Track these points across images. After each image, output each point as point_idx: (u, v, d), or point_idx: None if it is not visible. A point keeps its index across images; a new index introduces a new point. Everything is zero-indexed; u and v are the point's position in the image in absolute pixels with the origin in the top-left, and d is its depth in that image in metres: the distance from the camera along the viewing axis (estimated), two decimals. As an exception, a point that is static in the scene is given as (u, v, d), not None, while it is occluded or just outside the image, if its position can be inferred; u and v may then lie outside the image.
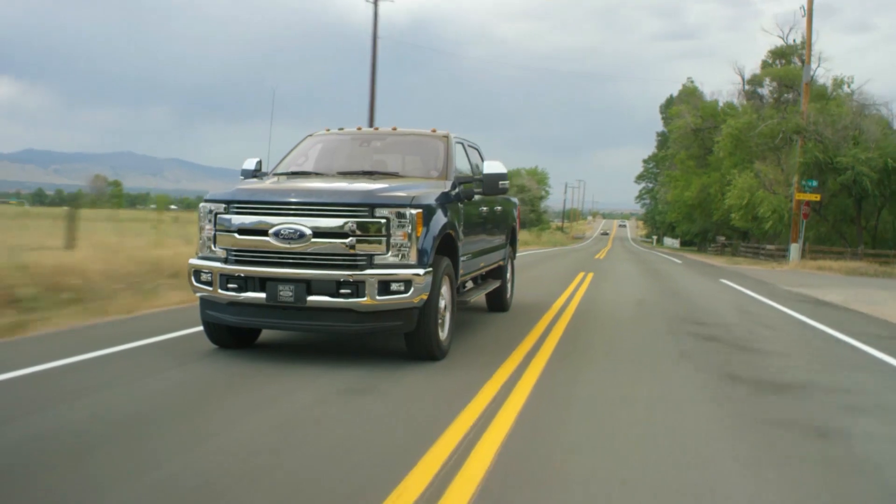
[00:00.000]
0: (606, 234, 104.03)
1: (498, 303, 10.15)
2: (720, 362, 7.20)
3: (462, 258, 7.34)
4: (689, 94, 56.48)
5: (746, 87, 49.99)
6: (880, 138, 34.02)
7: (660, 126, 78.15)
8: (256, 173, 7.77)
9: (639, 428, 4.78)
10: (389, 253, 6.05)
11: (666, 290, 15.77)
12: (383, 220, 6.02)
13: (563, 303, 11.72)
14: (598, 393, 5.76)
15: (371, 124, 36.10)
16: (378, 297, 5.95)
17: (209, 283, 6.27)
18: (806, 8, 34.46)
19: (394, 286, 6.00)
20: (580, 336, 8.39)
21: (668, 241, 79.28)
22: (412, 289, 6.01)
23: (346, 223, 6.00)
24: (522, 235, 54.20)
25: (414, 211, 6.10)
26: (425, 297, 6.15)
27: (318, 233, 6.02)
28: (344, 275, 5.94)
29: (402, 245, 6.07)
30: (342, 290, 5.95)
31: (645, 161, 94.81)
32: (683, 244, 70.27)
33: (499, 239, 9.41)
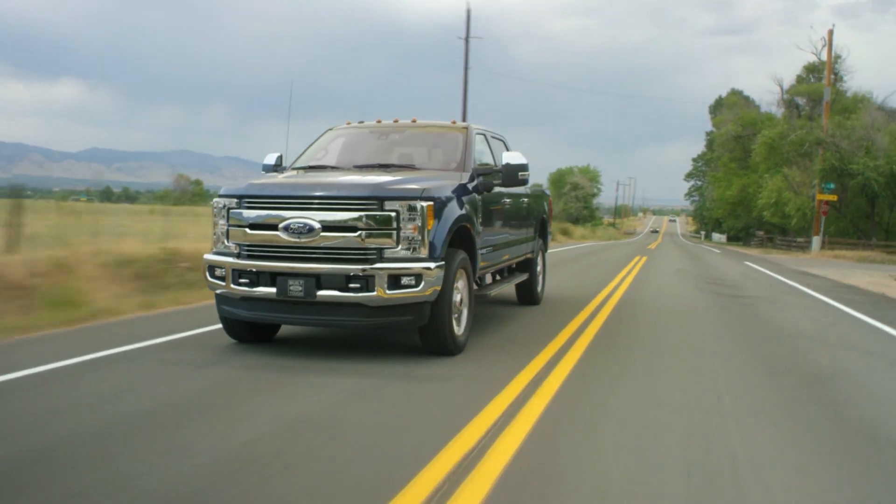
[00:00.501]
0: (656, 231, 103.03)
1: (528, 296, 9.99)
2: (716, 290, 13.94)
3: (481, 251, 7.20)
4: (732, 104, 64.05)
5: (785, 96, 55.75)
6: (889, 147, 40.22)
7: (709, 125, 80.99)
8: (277, 168, 7.77)
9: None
10: (400, 246, 5.96)
11: (698, 266, 22.51)
12: (393, 213, 5.93)
13: (631, 268, 19.00)
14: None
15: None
16: (388, 292, 5.86)
17: (222, 279, 6.28)
18: (826, 39, 42.47)
19: (404, 280, 5.90)
20: (648, 278, 15.71)
21: (715, 236, 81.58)
22: (423, 282, 5.91)
23: (355, 217, 5.93)
24: (578, 230, 58.94)
25: (424, 203, 5.99)
26: (437, 290, 6.05)
27: (327, 226, 5.96)
28: (353, 269, 5.87)
29: (412, 238, 5.97)
30: (352, 285, 5.89)
31: (694, 160, 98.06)
32: (730, 239, 73.25)
33: (525, 231, 9.24)
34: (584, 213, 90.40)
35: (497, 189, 7.67)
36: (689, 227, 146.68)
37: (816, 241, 39.82)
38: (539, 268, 10.22)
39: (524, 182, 7.54)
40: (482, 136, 8.16)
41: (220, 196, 6.44)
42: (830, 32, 41.97)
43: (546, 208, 10.38)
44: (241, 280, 6.19)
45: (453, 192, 6.59)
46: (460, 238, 6.67)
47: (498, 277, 8.80)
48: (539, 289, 10.23)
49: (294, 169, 7.60)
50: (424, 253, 6.01)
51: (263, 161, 7.90)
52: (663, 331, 8.42)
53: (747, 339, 8.22)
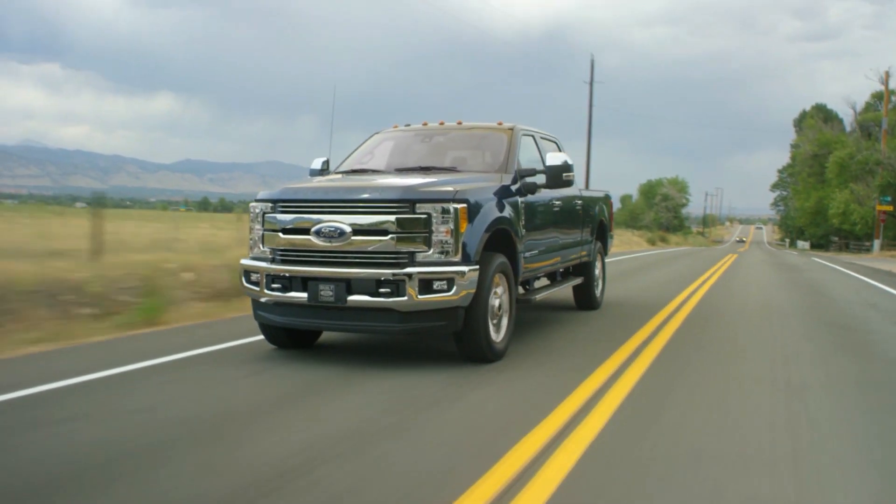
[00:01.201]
0: (742, 240, 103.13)
1: (585, 300, 9.67)
2: (790, 275, 18.99)
3: (525, 254, 6.96)
4: (810, 126, 73.22)
5: (858, 117, 66.26)
6: None
7: (794, 134, 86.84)
8: (323, 172, 7.73)
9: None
10: (432, 250, 5.77)
11: (776, 261, 30.50)
12: (424, 216, 5.75)
13: (726, 260, 27.07)
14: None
15: (588, 176, 46.76)
16: (419, 296, 5.68)
17: (257, 284, 6.23)
18: (884, 76, 52.82)
19: (436, 284, 5.71)
20: (739, 264, 24.61)
21: (799, 243, 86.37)
22: (456, 287, 5.71)
23: (385, 220, 5.79)
24: (674, 238, 63.08)
25: (457, 206, 5.79)
26: (471, 294, 5.84)
27: (357, 230, 5.84)
28: (384, 273, 5.72)
29: (445, 241, 5.77)
30: (382, 290, 5.73)
31: (779, 171, 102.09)
32: (812, 246, 78.99)
33: (578, 234, 8.93)
34: (674, 223, 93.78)
35: (544, 191, 7.41)
36: (774, 236, 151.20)
37: (877, 243, 50.07)
38: (597, 271, 9.88)
39: (569, 183, 7.25)
40: (530, 138, 7.91)
41: (257, 200, 6.41)
42: (887, 73, 52.66)
43: (605, 211, 10.02)
44: (274, 285, 6.12)
45: (491, 193, 6.38)
46: (499, 241, 6.44)
47: (546, 281, 8.52)
48: (598, 293, 9.88)
49: (337, 173, 7.54)
50: (457, 257, 5.80)
51: (310, 166, 7.88)
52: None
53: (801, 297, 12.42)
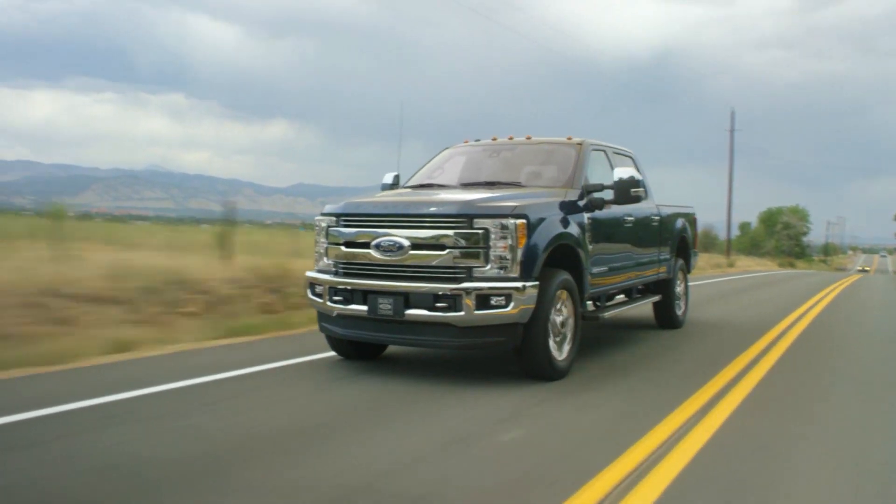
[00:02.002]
0: (865, 270, 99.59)
1: (666, 319, 9.37)
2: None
3: (592, 270, 6.80)
4: None
5: None
6: None
7: None
8: (393, 186, 7.84)
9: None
10: (489, 265, 5.72)
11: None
12: (482, 231, 5.72)
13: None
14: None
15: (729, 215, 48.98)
16: (477, 312, 5.64)
17: (321, 296, 6.35)
18: None
19: (494, 300, 5.66)
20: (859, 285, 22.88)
21: None
22: (513, 302, 5.64)
23: (443, 234, 5.79)
24: (800, 263, 61.12)
25: (515, 221, 5.73)
26: (529, 310, 5.75)
27: (416, 244, 5.87)
28: (441, 288, 5.71)
29: (502, 257, 5.72)
30: (439, 304, 5.72)
31: None
32: None
33: (655, 251, 8.65)
34: (796, 251, 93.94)
35: (615, 207, 7.25)
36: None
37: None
38: (679, 289, 9.54)
39: (637, 198, 7.05)
40: (601, 153, 7.76)
41: (322, 214, 6.55)
42: None
43: (686, 227, 9.70)
44: (336, 297, 6.23)
45: (555, 209, 6.29)
46: (563, 257, 6.32)
47: (622, 298, 8.31)
48: (680, 311, 9.54)
49: (406, 187, 7.62)
50: (516, 272, 5.73)
51: (382, 181, 8.01)
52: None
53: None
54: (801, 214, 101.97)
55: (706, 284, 19.79)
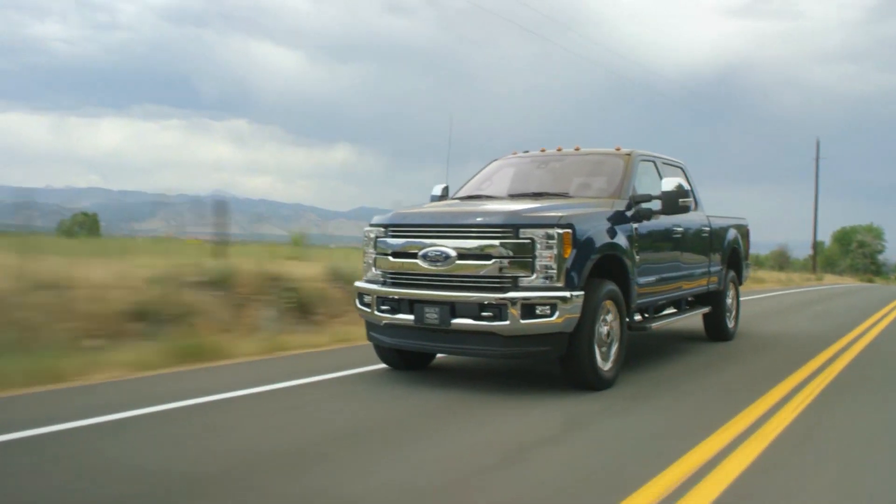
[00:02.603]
0: None
1: (716, 331, 9.24)
2: None
3: (639, 281, 6.78)
4: None
5: None
6: None
7: None
8: (442, 198, 7.95)
9: None
10: (535, 275, 5.77)
11: None
12: (527, 241, 5.78)
13: None
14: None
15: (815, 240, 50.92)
16: (522, 321, 5.69)
17: (369, 306, 6.48)
18: None
19: (538, 310, 5.70)
20: None
21: None
22: (558, 312, 5.67)
23: (488, 244, 5.87)
24: (878, 280, 66.70)
25: (561, 231, 5.77)
26: (574, 320, 5.77)
27: (462, 254, 5.95)
28: (487, 297, 5.78)
29: (548, 266, 5.76)
30: (485, 313, 5.79)
31: None
32: None
33: (705, 262, 8.55)
34: (872, 269, 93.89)
35: (664, 217, 7.22)
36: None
37: None
38: (730, 301, 9.39)
39: (685, 209, 7.01)
40: (650, 163, 7.74)
41: (371, 225, 6.68)
42: None
43: (737, 238, 9.56)
44: (384, 307, 6.34)
45: (601, 219, 6.31)
46: (609, 267, 6.33)
47: (672, 309, 8.25)
48: (731, 323, 9.39)
49: (454, 198, 7.72)
50: (561, 282, 5.76)
51: (431, 192, 8.12)
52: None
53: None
54: (875, 233, 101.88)
55: (805, 291, 24.13)
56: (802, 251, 65.76)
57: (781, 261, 56.18)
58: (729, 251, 9.27)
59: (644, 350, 8.21)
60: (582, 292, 5.83)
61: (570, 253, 5.82)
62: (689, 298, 8.55)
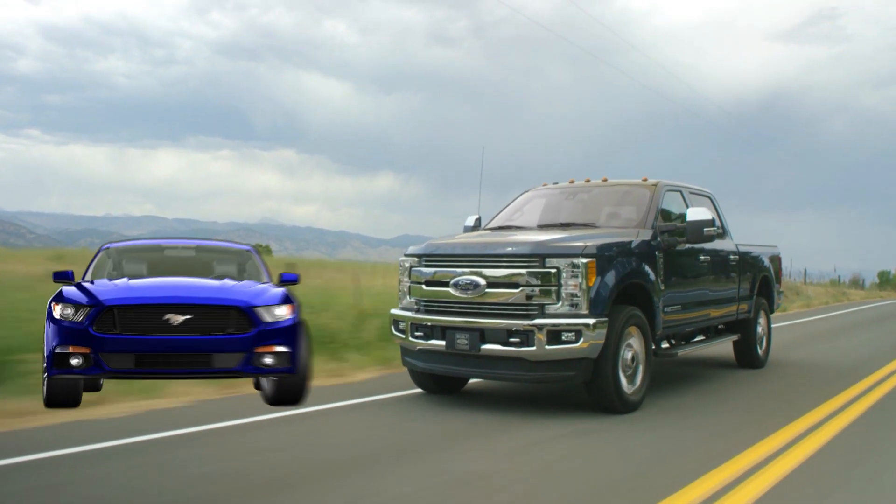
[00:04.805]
0: None
1: (746, 358, 9.30)
2: None
3: (665, 308, 6.98)
4: None
5: None
6: None
7: None
8: (475, 228, 8.23)
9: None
10: (561, 302, 6.04)
11: None
12: (553, 270, 6.06)
13: None
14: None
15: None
16: (548, 347, 5.96)
17: (403, 332, 6.80)
18: None
19: (564, 335, 5.96)
20: None
21: None
22: (583, 338, 5.92)
23: (516, 273, 6.16)
24: None
25: (585, 260, 6.04)
26: (598, 346, 6.01)
27: (491, 283, 6.25)
28: (515, 324, 6.06)
29: (573, 294, 6.03)
30: (512, 339, 6.06)
31: None
32: None
33: (733, 289, 8.67)
34: None
35: (688, 246, 7.42)
36: None
37: None
38: (760, 329, 9.46)
39: (710, 238, 7.20)
40: (677, 193, 7.95)
41: (406, 255, 7.04)
42: None
43: (767, 265, 9.64)
44: (417, 333, 6.67)
45: (625, 248, 6.55)
46: (634, 295, 6.56)
47: (700, 337, 8.40)
48: (761, 351, 9.43)
49: (486, 229, 8.01)
50: (586, 309, 6.02)
51: (464, 223, 8.41)
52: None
53: None
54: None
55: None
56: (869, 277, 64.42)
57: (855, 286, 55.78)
58: (759, 279, 9.37)
59: (670, 375, 8.33)
60: (606, 319, 6.07)
61: (594, 281, 6.07)
62: (720, 326, 8.67)
